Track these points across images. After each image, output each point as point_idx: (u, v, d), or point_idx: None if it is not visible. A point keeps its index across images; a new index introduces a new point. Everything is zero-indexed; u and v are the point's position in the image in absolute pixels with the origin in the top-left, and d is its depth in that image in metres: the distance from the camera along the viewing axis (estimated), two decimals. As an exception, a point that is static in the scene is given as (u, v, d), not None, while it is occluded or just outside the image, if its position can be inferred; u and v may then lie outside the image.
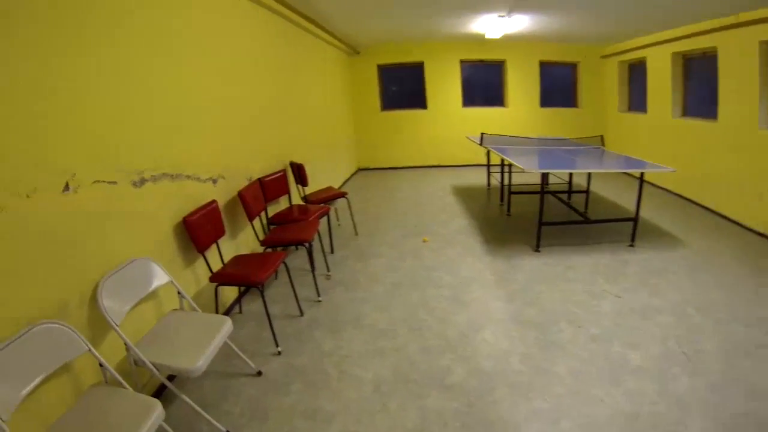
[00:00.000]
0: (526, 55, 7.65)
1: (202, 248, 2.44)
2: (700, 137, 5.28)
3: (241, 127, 3.26)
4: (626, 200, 5.50)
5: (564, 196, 5.37)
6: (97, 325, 1.76)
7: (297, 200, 4.24)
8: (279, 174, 3.75)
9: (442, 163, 8.25)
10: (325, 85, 6.07)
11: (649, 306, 2.90)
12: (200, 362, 1.72)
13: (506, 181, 5.49)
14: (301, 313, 2.94)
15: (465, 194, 6.22)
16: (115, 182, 1.89)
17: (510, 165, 4.68)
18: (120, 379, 1.64)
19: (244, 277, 2.46)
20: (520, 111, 7.92)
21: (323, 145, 5.80)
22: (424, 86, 7.92)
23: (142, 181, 2.08)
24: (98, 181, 1.79)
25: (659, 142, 6.20)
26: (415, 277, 3.46)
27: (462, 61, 7.82)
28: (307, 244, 3.04)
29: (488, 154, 6.32)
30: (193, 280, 2.56)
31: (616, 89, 7.48)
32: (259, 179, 3.47)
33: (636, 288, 3.16)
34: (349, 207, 4.73)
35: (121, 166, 1.94)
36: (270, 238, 3.11)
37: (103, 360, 1.62)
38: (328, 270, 3.64)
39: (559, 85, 8.19)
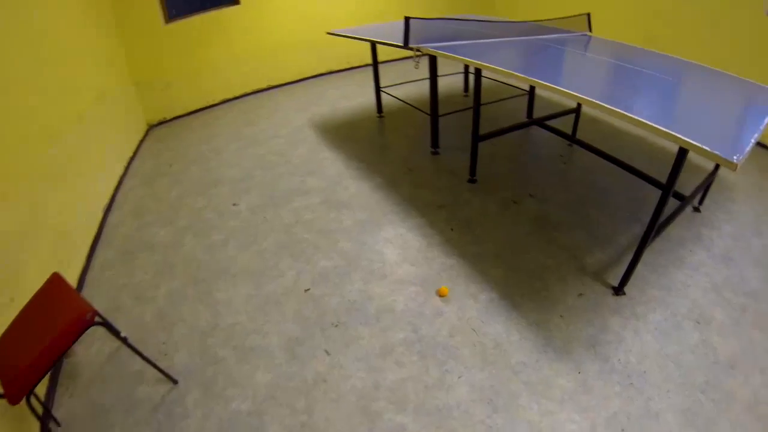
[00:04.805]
0: None
1: None
2: None
3: None
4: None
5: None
6: None
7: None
8: None
9: (275, 83, 5.24)
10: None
11: None
12: None
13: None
14: None
15: (349, 139, 3.67)
16: None
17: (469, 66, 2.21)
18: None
19: None
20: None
21: (36, 135, 2.31)
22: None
23: None
24: None
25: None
26: None
27: None
28: None
29: (374, 53, 3.66)
30: None
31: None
32: None
33: None
34: (123, 338, 1.56)
35: None
36: None
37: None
38: None
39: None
